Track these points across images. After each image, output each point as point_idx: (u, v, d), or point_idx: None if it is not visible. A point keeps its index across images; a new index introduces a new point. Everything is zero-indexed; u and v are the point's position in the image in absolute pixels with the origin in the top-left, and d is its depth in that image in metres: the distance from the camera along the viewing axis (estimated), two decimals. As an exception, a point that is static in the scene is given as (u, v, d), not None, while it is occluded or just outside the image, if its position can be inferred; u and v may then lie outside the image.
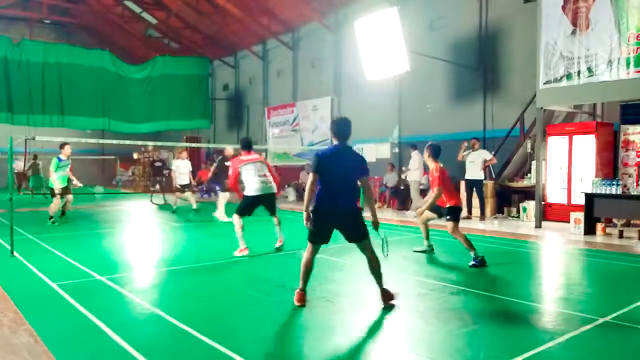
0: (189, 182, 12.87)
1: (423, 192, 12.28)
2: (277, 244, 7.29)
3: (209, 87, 23.81)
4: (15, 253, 6.78)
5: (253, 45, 21.71)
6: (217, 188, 11.56)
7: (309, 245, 4.49)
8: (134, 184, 24.17)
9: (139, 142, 10.84)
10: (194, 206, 12.72)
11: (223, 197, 11.42)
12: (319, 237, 4.45)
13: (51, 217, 10.39)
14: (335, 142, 4.55)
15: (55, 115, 19.90)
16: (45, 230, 9.60)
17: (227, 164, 11.46)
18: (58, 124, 19.99)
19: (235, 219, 6.90)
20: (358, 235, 4.46)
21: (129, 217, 12.65)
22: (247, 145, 7.21)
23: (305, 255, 4.50)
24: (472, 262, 6.21)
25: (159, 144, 13.78)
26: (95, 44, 24.44)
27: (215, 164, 11.51)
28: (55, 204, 10.37)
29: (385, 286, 4.47)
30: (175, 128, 22.84)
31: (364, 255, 4.48)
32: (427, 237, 7.16)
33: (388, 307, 4.38)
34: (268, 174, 7.09)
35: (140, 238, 9.26)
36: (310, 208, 4.38)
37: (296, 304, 4.43)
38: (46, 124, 19.64)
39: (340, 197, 4.40)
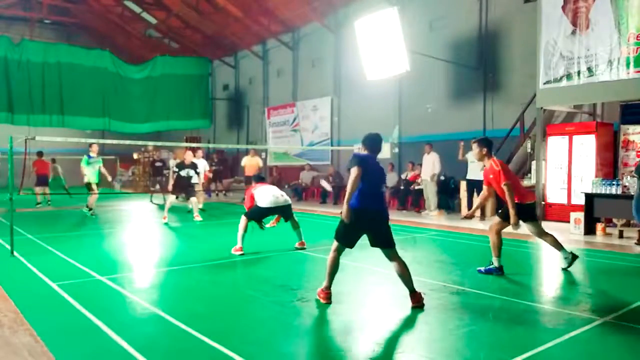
0: (198, 182, 12.91)
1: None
2: (297, 245, 7.43)
3: (209, 87, 23.80)
4: (15, 253, 6.78)
5: (253, 45, 21.71)
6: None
7: (335, 243, 4.54)
8: (134, 184, 24.16)
9: (139, 142, 10.86)
10: (201, 206, 12.74)
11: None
12: (347, 238, 4.51)
13: (91, 209, 11.24)
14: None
15: (55, 115, 19.89)
16: (45, 230, 9.60)
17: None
18: (58, 124, 19.97)
19: (243, 220, 7.09)
20: (384, 241, 4.54)
21: (129, 217, 12.66)
22: (260, 179, 7.76)
23: (330, 254, 4.56)
24: (482, 268, 5.75)
25: (159, 144, 13.77)
26: (95, 44, 24.43)
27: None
28: (94, 198, 11.36)
29: (416, 289, 4.48)
30: (175, 128, 22.84)
31: (391, 262, 4.54)
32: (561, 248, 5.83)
33: (416, 308, 4.37)
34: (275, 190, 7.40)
35: (140, 238, 9.26)
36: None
37: (322, 301, 4.50)
38: (46, 124, 19.63)
39: (377, 199, 4.49)
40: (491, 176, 5.65)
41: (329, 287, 4.57)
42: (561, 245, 5.84)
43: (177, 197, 11.15)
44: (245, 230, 7.04)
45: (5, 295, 4.74)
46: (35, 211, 13.47)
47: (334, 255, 4.54)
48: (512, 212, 5.46)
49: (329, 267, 4.55)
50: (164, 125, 22.37)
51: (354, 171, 4.38)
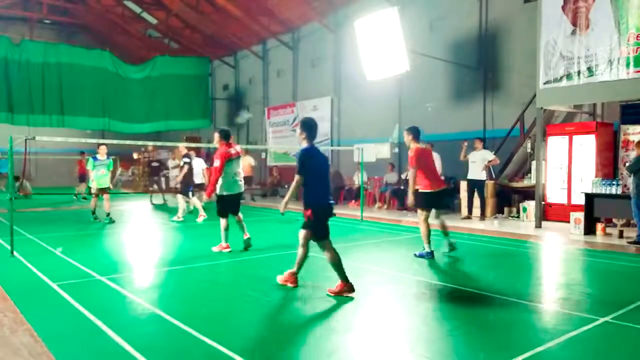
0: (203, 182, 12.87)
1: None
2: (245, 237, 7.32)
3: (209, 87, 23.80)
4: (15, 253, 6.79)
5: (253, 45, 21.71)
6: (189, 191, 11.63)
7: (305, 235, 4.84)
8: (134, 184, 24.16)
9: (139, 142, 10.82)
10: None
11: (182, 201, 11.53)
12: (322, 231, 4.80)
13: (93, 213, 11.23)
14: (306, 144, 4.83)
15: (55, 115, 19.89)
16: (45, 230, 9.60)
17: (181, 161, 11.52)
18: (58, 124, 19.98)
19: (222, 220, 7.13)
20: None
21: (129, 217, 12.65)
22: (227, 136, 7.04)
23: (301, 243, 4.90)
24: (418, 252, 6.58)
25: (159, 144, 13.74)
26: (95, 44, 24.42)
27: (186, 167, 11.65)
28: (94, 201, 11.46)
29: (348, 279, 4.79)
30: (175, 128, 22.84)
31: (326, 252, 4.82)
32: (429, 240, 6.68)
33: (348, 297, 4.64)
34: (241, 171, 7.26)
35: (140, 238, 9.26)
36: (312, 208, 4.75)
37: (291, 285, 4.92)
38: (46, 124, 19.63)
39: (327, 194, 4.82)
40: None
41: (296, 273, 4.95)
42: (448, 234, 6.79)
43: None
44: (227, 228, 7.11)
45: (5, 295, 4.74)
46: (35, 211, 13.47)
47: (304, 247, 4.88)
48: (409, 192, 6.57)
49: (300, 257, 4.90)
50: (163, 125, 22.38)
51: (295, 178, 4.73)
